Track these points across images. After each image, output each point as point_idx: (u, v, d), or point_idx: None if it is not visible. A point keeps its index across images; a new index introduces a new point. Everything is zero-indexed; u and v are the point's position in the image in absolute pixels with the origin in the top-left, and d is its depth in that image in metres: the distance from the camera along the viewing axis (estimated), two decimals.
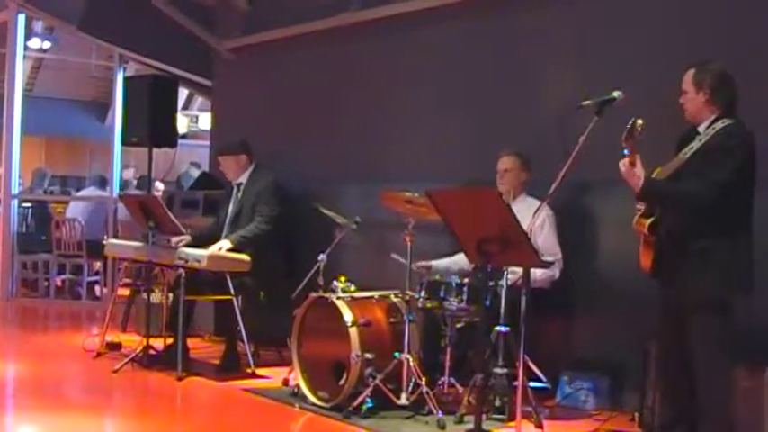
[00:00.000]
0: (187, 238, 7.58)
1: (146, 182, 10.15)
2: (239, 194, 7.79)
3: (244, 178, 7.80)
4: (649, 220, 4.94)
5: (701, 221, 4.82)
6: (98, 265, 11.62)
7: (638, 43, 6.47)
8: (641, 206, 5.01)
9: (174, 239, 7.54)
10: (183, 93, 17.08)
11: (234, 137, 8.11)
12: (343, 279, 6.42)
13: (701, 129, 4.98)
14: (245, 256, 7.28)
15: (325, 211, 7.02)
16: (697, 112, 5.00)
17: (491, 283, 5.76)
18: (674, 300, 4.99)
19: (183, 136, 20.06)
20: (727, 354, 4.88)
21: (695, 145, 4.90)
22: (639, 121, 4.68)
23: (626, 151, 4.75)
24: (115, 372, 7.17)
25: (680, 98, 5.06)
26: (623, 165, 4.82)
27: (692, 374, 4.91)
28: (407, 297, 6.13)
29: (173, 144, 9.55)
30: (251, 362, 7.31)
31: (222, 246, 7.26)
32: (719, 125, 4.89)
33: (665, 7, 6.38)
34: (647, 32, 6.45)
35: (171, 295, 7.77)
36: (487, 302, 5.65)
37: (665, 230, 4.93)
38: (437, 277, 6.19)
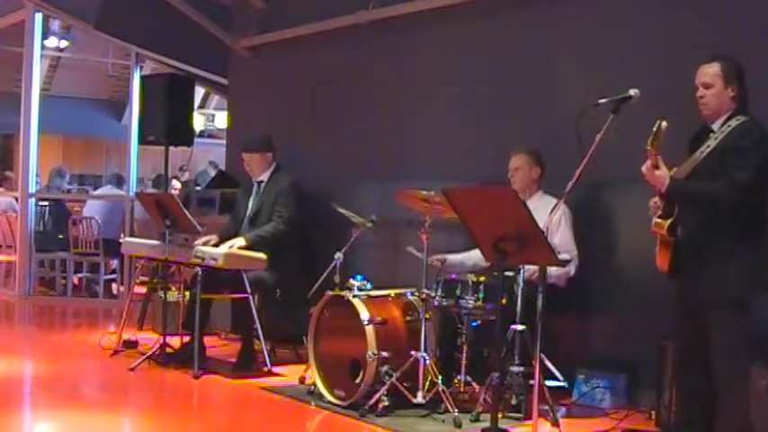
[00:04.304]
0: (214, 237, 7.56)
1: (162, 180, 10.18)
2: (259, 193, 7.79)
3: (265, 176, 7.80)
4: (668, 222, 4.89)
5: (722, 221, 4.78)
6: (115, 263, 11.64)
7: (652, 41, 6.44)
8: (656, 203, 4.97)
9: (202, 239, 7.51)
10: (199, 91, 17.11)
11: (258, 133, 8.06)
12: (359, 277, 6.42)
13: (715, 126, 4.92)
14: (261, 255, 7.28)
15: (341, 210, 7.02)
16: (719, 107, 4.90)
17: (508, 277, 5.77)
18: (693, 299, 4.95)
19: (200, 134, 20.18)
20: (745, 353, 4.86)
21: (711, 143, 4.84)
22: (664, 124, 4.63)
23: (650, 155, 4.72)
24: (132, 370, 7.18)
25: (698, 93, 4.95)
26: (646, 168, 4.79)
27: (709, 373, 4.89)
28: (424, 295, 6.13)
29: (189, 142, 9.58)
30: (267, 360, 7.31)
31: (236, 243, 7.28)
32: (734, 122, 4.84)
33: (679, 5, 6.35)
34: (661, 30, 6.42)
35: (187, 293, 7.79)
36: (504, 301, 5.64)
37: (685, 230, 4.90)
38: (453, 276, 6.18)
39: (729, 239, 4.79)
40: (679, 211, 4.90)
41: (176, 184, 15.16)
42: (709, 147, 4.85)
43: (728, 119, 4.88)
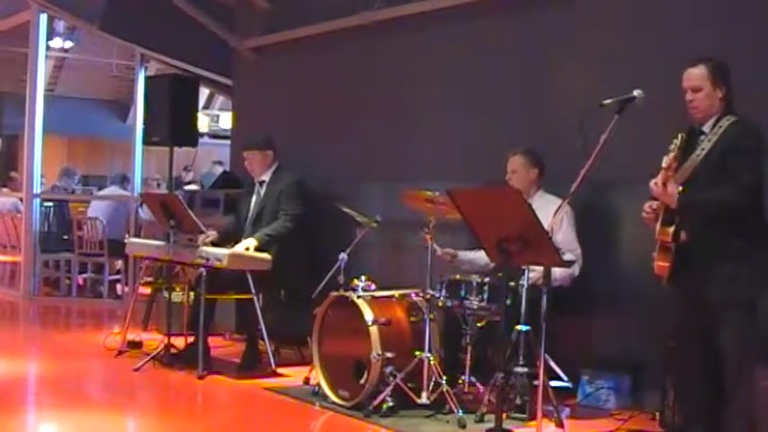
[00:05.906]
0: (214, 234, 7.57)
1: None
2: (262, 192, 7.79)
3: (267, 176, 7.79)
4: (672, 228, 4.81)
5: (731, 222, 4.74)
6: (119, 263, 11.65)
7: (654, 43, 6.44)
8: (651, 207, 4.91)
9: (201, 236, 7.54)
10: (203, 92, 17.13)
11: (259, 133, 8.08)
12: (363, 278, 6.41)
13: (706, 128, 4.90)
14: (266, 255, 7.28)
15: (346, 210, 7.02)
16: (709, 109, 4.89)
17: (511, 282, 5.76)
18: (702, 300, 4.87)
19: (204, 135, 20.17)
20: (753, 353, 4.83)
21: (705, 146, 4.81)
22: (685, 137, 4.62)
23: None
24: (136, 370, 7.19)
25: (688, 96, 4.94)
26: (655, 185, 4.74)
27: (712, 372, 4.86)
28: (428, 296, 6.13)
29: (193, 143, 9.59)
30: (272, 361, 7.30)
31: (248, 245, 7.26)
32: (725, 122, 4.82)
33: (681, 6, 6.35)
34: (662, 32, 6.41)
35: (192, 294, 7.79)
36: (508, 301, 5.64)
37: (690, 234, 4.81)
38: (457, 276, 6.18)
39: (740, 240, 4.75)
40: (681, 216, 4.82)
41: (192, 187, 15.18)
42: (704, 149, 4.81)
43: (719, 119, 4.87)
